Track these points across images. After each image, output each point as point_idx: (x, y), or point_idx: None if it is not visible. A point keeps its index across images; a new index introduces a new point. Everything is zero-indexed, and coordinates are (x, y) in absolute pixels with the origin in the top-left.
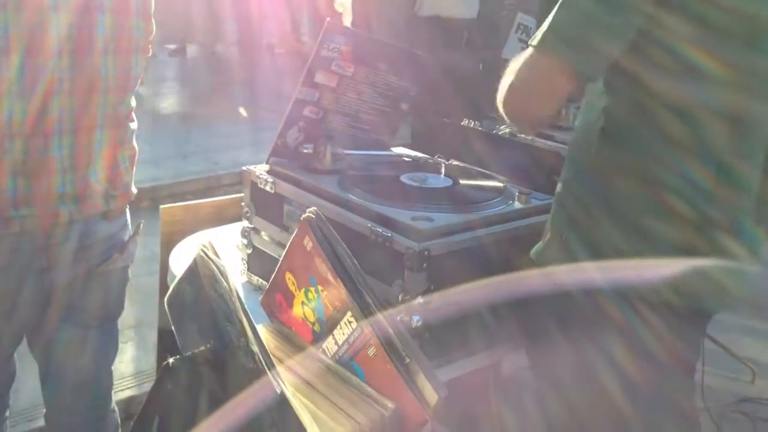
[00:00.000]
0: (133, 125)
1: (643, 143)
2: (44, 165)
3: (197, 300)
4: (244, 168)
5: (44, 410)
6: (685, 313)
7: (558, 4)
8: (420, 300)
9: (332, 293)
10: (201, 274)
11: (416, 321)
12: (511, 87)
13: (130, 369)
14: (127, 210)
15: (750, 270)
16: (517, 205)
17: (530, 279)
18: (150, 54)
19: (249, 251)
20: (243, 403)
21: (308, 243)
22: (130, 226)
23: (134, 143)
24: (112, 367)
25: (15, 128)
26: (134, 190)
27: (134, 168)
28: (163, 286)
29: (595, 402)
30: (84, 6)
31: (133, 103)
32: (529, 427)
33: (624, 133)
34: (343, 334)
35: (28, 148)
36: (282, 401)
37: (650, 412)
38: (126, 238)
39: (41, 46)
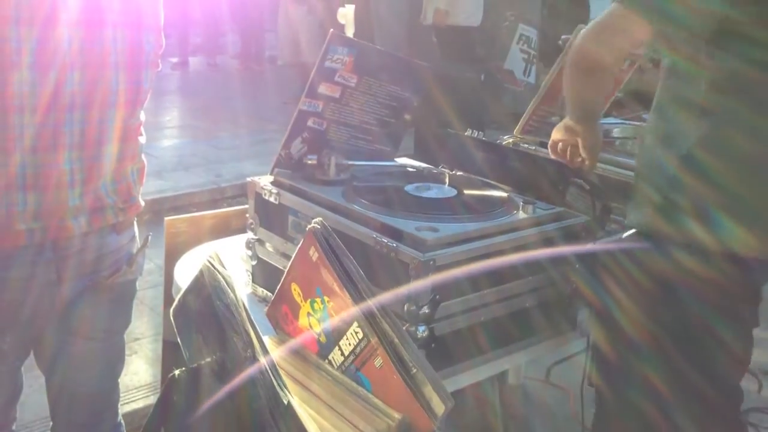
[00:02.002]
0: (142, 139)
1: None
2: (55, 179)
3: (203, 311)
4: (248, 179)
5: (50, 423)
6: (656, 293)
7: None
8: (425, 310)
9: (338, 304)
10: (207, 284)
11: (422, 331)
12: (589, 29)
13: (135, 381)
14: (135, 222)
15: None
16: (522, 214)
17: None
18: (159, 68)
19: (254, 263)
20: (249, 415)
21: (314, 254)
22: (137, 238)
23: (142, 157)
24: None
25: (26, 142)
26: (142, 202)
27: (143, 181)
28: (168, 298)
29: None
30: (97, 21)
31: (142, 117)
32: None
33: None
34: (350, 344)
35: (39, 161)
36: (289, 413)
37: (619, 388)
38: (134, 250)
39: (53, 60)
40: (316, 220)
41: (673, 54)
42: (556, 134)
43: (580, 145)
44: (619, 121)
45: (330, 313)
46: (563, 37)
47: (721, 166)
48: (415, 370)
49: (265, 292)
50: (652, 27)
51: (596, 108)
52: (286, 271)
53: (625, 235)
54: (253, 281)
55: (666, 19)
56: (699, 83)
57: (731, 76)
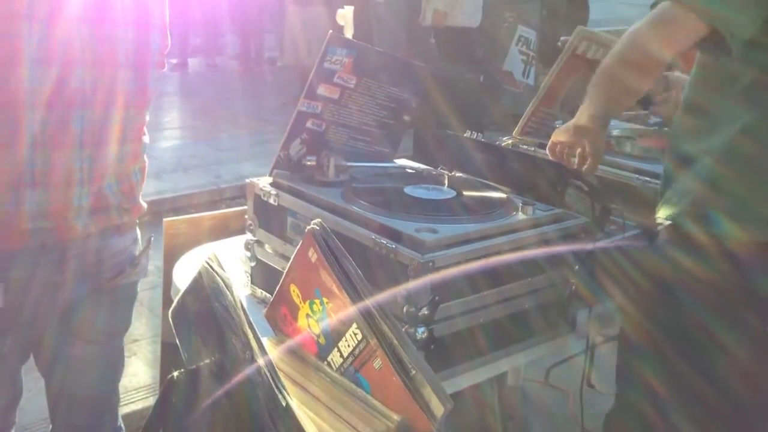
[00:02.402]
0: (146, 139)
1: None
2: (62, 176)
3: (202, 313)
4: (247, 180)
5: (50, 426)
6: (653, 293)
7: None
8: (425, 311)
9: (337, 305)
10: (206, 286)
11: (421, 332)
12: (644, 25)
13: (134, 383)
14: (137, 224)
15: None
16: (521, 216)
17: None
18: (164, 68)
19: (252, 264)
20: (247, 417)
21: (313, 255)
22: (140, 240)
23: (145, 157)
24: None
25: (37, 140)
26: (144, 204)
27: (144, 181)
28: (167, 300)
29: None
30: (106, 19)
31: (147, 117)
32: None
33: None
34: (349, 346)
35: (47, 159)
36: (287, 414)
37: (619, 388)
38: (137, 252)
39: (62, 57)
40: (315, 221)
41: (708, 61)
42: (557, 136)
43: (586, 147)
44: (619, 122)
45: (329, 315)
46: (562, 38)
47: (732, 172)
48: (414, 372)
49: (264, 293)
50: (706, 27)
51: (622, 108)
52: (284, 272)
53: (660, 228)
54: (251, 282)
55: (719, 21)
56: (717, 93)
57: (751, 85)
